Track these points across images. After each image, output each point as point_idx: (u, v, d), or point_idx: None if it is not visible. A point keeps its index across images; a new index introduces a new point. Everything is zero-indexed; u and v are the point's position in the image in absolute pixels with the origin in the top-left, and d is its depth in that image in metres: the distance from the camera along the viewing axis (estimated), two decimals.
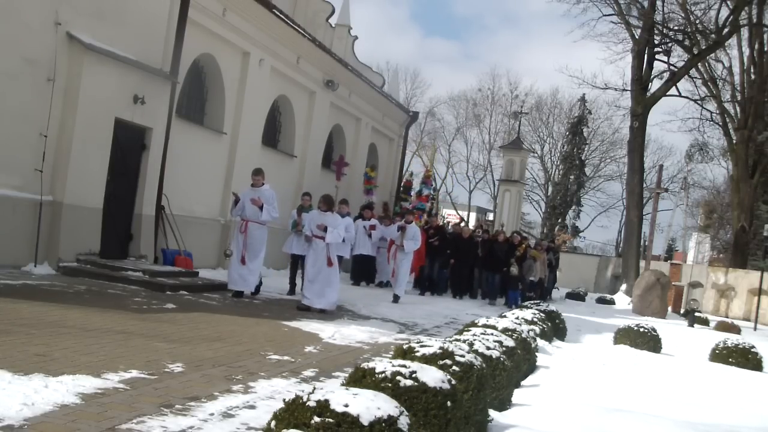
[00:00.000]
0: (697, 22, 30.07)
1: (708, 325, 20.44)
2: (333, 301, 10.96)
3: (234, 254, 11.38)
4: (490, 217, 40.75)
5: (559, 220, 51.92)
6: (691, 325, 19.88)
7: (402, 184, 25.20)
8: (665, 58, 31.03)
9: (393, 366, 3.99)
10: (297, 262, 12.73)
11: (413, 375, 3.92)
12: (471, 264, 17.86)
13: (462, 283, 17.97)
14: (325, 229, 10.83)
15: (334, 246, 11.04)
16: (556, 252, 23.85)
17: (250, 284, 11.45)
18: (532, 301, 13.82)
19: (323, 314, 10.47)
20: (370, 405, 3.20)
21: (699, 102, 34.47)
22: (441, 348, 4.88)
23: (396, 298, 14.25)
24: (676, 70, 30.43)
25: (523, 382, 7.13)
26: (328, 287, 10.84)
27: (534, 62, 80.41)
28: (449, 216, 35.88)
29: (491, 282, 17.85)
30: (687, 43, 30.38)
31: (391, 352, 6.15)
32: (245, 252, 11.20)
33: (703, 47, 29.85)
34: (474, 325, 8.02)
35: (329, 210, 11.15)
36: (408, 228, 15.15)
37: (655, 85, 30.44)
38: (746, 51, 31.83)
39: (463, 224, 20.97)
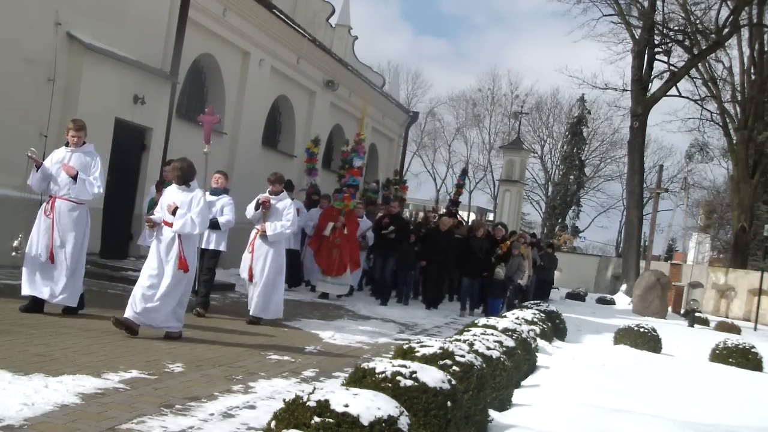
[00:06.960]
0: (697, 22, 30.07)
1: (708, 326, 20.44)
2: (180, 322, 7.18)
3: (34, 248, 7.35)
4: (491, 216, 40.72)
5: (559, 220, 51.99)
6: (691, 325, 19.88)
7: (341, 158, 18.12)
8: (665, 59, 31.09)
9: (393, 366, 3.99)
10: None
11: (413, 375, 3.92)
12: (450, 266, 14.31)
13: (439, 290, 14.60)
14: (175, 213, 7.09)
15: (192, 239, 7.27)
16: (540, 248, 20.13)
17: (71, 294, 7.38)
18: (532, 302, 13.71)
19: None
20: (370, 405, 3.21)
21: (699, 102, 34.49)
22: (441, 348, 4.88)
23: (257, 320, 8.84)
24: (676, 70, 30.43)
25: (523, 382, 7.13)
26: (167, 297, 6.95)
27: (530, 62, 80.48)
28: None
29: (468, 288, 14.25)
30: (687, 43, 30.39)
31: (391, 352, 6.16)
32: (53, 244, 7.31)
33: (703, 47, 29.86)
34: (474, 325, 8.03)
35: (185, 184, 7.27)
36: (273, 205, 9.01)
37: (655, 86, 30.49)
38: (746, 51, 31.83)
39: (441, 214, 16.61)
